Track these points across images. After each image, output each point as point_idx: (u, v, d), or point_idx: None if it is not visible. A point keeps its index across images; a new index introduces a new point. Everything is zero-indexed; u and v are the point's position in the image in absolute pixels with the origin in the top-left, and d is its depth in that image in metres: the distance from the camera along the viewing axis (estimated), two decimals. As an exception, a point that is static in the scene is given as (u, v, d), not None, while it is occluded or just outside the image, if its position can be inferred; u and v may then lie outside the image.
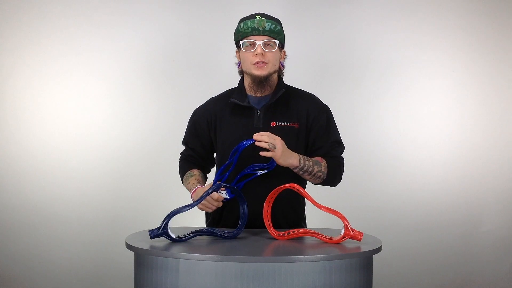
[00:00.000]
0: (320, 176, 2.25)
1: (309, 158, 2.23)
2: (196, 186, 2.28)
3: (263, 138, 2.09)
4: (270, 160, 2.19)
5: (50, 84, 3.83)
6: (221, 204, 2.15)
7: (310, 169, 2.21)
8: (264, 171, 2.20)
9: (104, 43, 3.86)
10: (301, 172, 2.22)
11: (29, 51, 3.82)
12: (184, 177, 2.40)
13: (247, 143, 2.10)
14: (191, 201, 2.00)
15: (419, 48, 3.94)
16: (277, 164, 2.17)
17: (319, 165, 2.24)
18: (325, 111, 2.36)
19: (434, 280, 3.82)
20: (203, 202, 2.12)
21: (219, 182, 2.14)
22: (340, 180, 2.36)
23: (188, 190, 2.34)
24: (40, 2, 3.82)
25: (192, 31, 3.90)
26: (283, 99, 2.32)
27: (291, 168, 2.20)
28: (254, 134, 2.11)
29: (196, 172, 2.39)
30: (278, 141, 2.12)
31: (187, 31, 3.90)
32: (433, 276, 3.83)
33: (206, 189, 2.15)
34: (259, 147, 2.12)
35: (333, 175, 2.30)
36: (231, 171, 2.17)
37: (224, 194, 2.13)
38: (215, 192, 2.10)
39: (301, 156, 2.21)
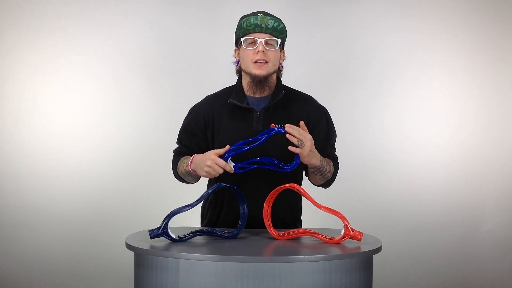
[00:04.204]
0: (328, 176, 2.26)
1: (324, 158, 2.22)
2: (192, 156, 2.19)
3: (294, 132, 2.04)
4: (292, 159, 2.12)
5: (49, 84, 3.84)
6: (222, 170, 2.07)
7: (323, 170, 2.21)
8: (278, 169, 2.12)
9: (102, 43, 3.86)
10: (316, 172, 2.21)
11: (27, 51, 3.82)
12: (178, 165, 2.31)
13: (279, 130, 2.04)
14: (191, 201, 1.99)
15: (419, 48, 3.94)
16: (293, 169, 2.12)
17: (329, 166, 2.25)
18: (324, 114, 2.35)
19: (434, 280, 3.82)
20: (208, 164, 2.06)
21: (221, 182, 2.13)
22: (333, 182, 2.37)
23: (184, 171, 2.24)
24: (39, 2, 3.83)
25: (190, 30, 3.90)
26: (282, 101, 2.29)
27: (309, 166, 2.18)
28: (287, 125, 2.04)
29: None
30: (308, 140, 2.06)
31: (184, 30, 3.90)
32: (433, 276, 3.83)
33: (210, 155, 2.08)
34: (283, 142, 2.07)
35: (334, 178, 2.32)
36: (252, 147, 2.08)
37: (231, 163, 2.08)
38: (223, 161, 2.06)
39: (321, 157, 2.18)
